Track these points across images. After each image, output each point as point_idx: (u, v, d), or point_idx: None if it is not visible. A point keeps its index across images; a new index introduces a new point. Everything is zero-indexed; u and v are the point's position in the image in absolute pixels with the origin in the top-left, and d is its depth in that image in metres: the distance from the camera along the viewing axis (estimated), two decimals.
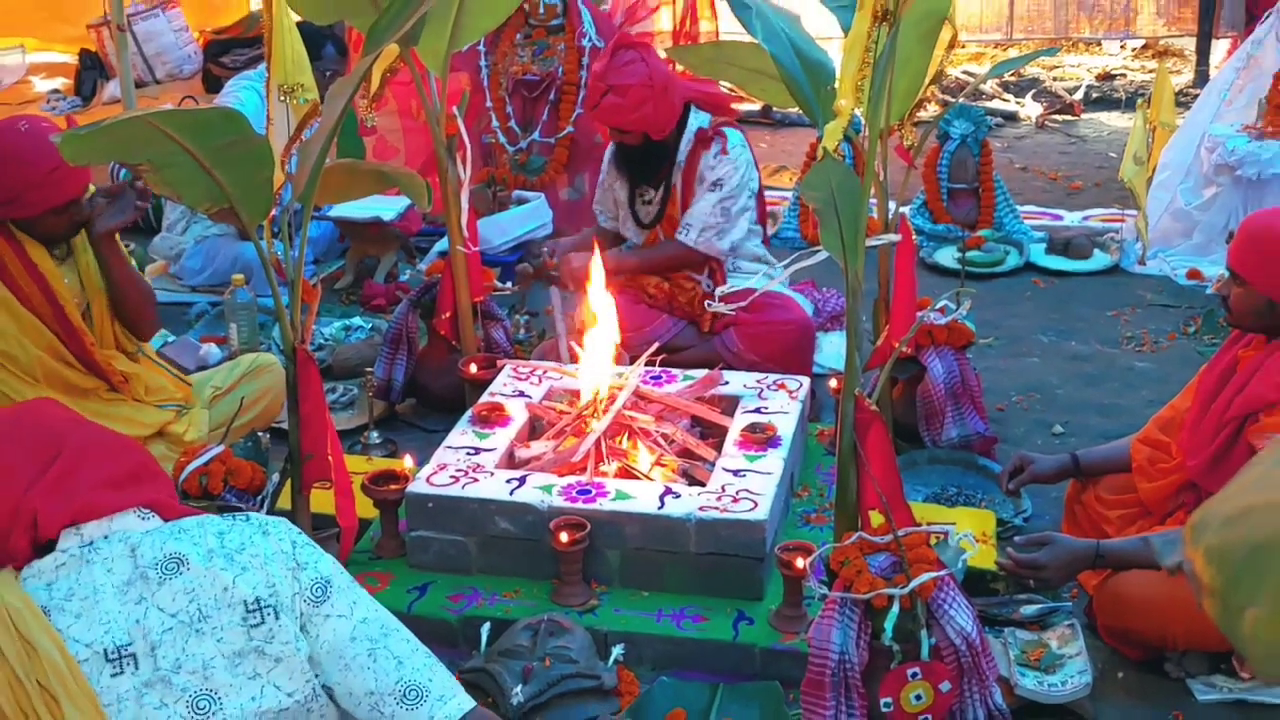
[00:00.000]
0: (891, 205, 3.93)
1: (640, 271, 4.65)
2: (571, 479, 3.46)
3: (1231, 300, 3.16)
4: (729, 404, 3.89)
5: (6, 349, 3.47)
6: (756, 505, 3.29)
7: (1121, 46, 10.67)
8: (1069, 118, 8.90)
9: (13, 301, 3.48)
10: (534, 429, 3.84)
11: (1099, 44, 10.69)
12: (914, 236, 3.93)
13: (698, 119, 4.56)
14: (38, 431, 1.97)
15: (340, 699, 1.96)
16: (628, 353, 4.30)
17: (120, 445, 2.04)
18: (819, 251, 3.11)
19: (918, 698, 2.75)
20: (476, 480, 3.45)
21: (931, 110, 6.94)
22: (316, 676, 1.93)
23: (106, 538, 1.91)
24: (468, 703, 1.99)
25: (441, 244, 5.39)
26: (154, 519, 1.97)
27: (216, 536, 1.94)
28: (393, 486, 3.51)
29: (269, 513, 3.42)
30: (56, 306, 3.53)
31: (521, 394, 3.93)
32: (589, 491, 3.39)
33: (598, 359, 3.85)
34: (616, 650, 3.12)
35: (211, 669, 1.86)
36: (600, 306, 3.86)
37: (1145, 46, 10.60)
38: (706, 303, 4.33)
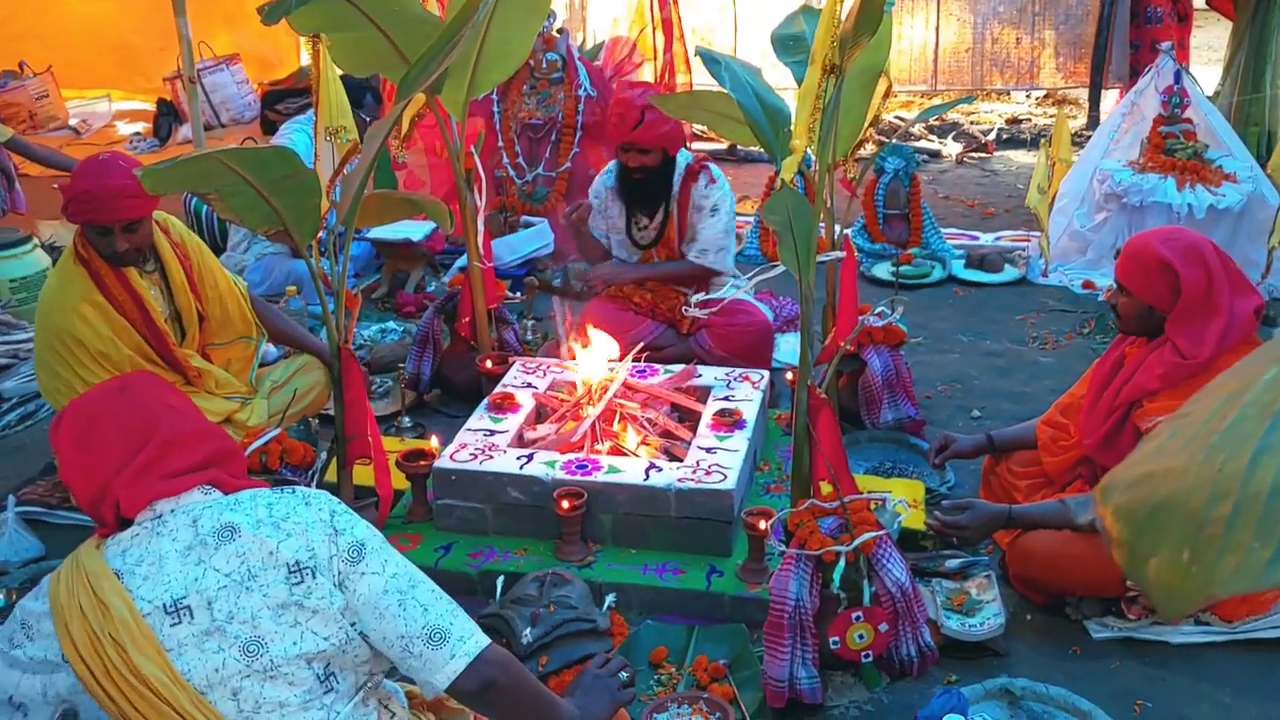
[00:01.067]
0: (837, 228, 3.93)
1: (655, 279, 4.62)
2: (571, 456, 3.45)
3: (1119, 308, 3.17)
4: (702, 393, 3.88)
5: (102, 348, 3.44)
6: (726, 477, 3.29)
7: (1027, 96, 10.68)
8: (984, 155, 8.91)
9: (109, 308, 3.46)
10: (540, 414, 3.84)
11: (1008, 94, 10.71)
12: (855, 254, 3.93)
13: (684, 156, 4.54)
14: (133, 415, 1.94)
15: (375, 643, 1.94)
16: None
17: (202, 432, 2.01)
18: (777, 266, 3.11)
19: (861, 637, 2.76)
20: (492, 457, 3.44)
21: (870, 149, 6.92)
22: (353, 625, 1.91)
23: (174, 511, 1.90)
24: (484, 641, 1.97)
25: (462, 260, 5.37)
26: (215, 493, 1.95)
27: (266, 508, 1.92)
28: (422, 462, 3.50)
29: (318, 485, 3.42)
30: (144, 312, 3.50)
31: (529, 385, 3.92)
32: (586, 466, 3.38)
33: (592, 357, 3.84)
34: (609, 598, 3.12)
35: (259, 619, 1.85)
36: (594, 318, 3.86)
37: (1047, 96, 10.61)
38: (684, 308, 4.32)
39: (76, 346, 3.43)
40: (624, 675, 2.36)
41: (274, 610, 1.85)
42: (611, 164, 4.70)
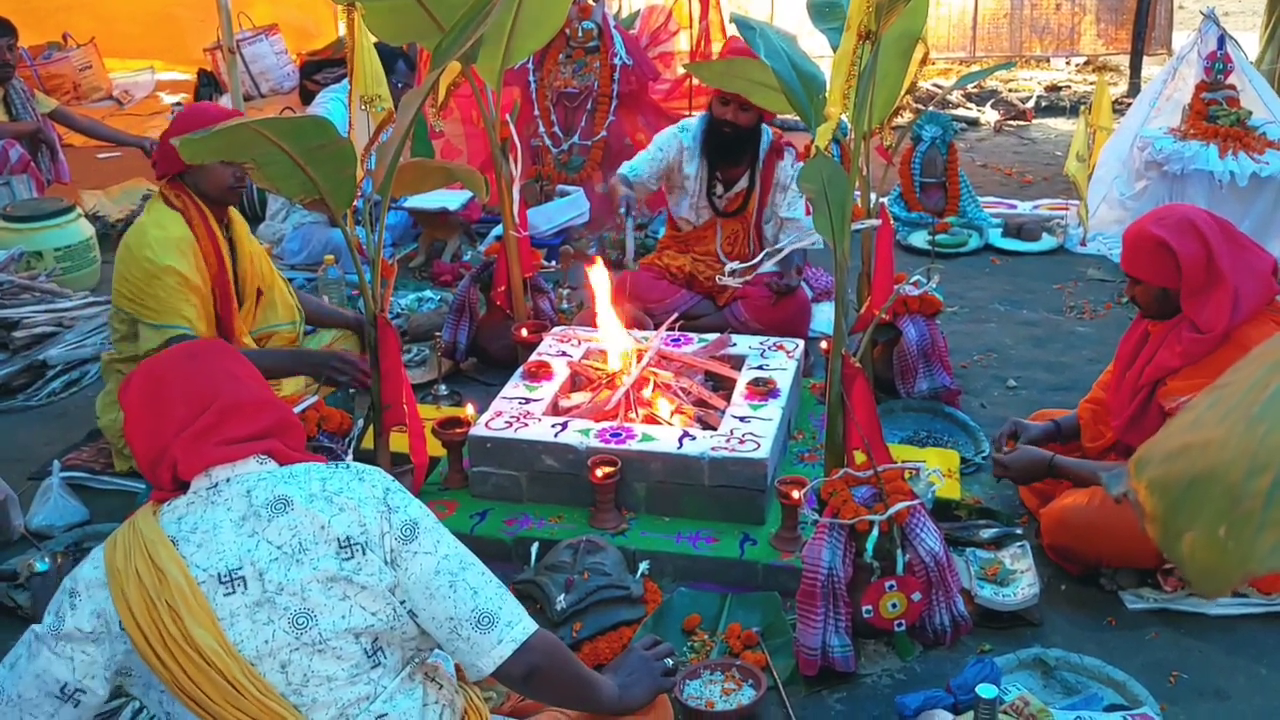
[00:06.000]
0: (873, 196, 3.89)
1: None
2: (605, 424, 3.45)
3: (1138, 298, 3.12)
4: (737, 362, 3.86)
5: (198, 283, 3.46)
6: (759, 446, 3.27)
7: (1067, 62, 10.52)
8: (1022, 123, 8.79)
9: (200, 253, 3.49)
10: (574, 383, 3.83)
11: (1048, 60, 10.55)
12: (891, 222, 3.89)
13: (766, 134, 4.50)
14: (198, 380, 1.94)
15: (423, 623, 1.92)
16: (652, 320, 4.28)
17: (262, 403, 2.00)
18: (813, 236, 3.08)
19: (894, 606, 2.75)
20: (527, 425, 3.44)
21: (906, 116, 6.85)
22: (401, 603, 1.90)
23: (229, 480, 1.89)
24: (531, 626, 1.96)
25: (498, 229, 5.36)
26: (270, 463, 1.95)
27: (320, 482, 1.91)
28: (457, 430, 3.51)
29: (355, 452, 3.43)
30: (221, 266, 3.54)
31: (564, 354, 3.91)
32: (620, 434, 3.38)
33: (626, 326, 3.83)
34: (643, 566, 3.13)
35: (308, 591, 1.84)
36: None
37: (1087, 62, 10.44)
38: (717, 277, 4.29)
39: (173, 276, 3.43)
40: (668, 662, 2.35)
41: (323, 583, 1.84)
42: (690, 121, 4.66)
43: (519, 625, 1.94)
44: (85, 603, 1.85)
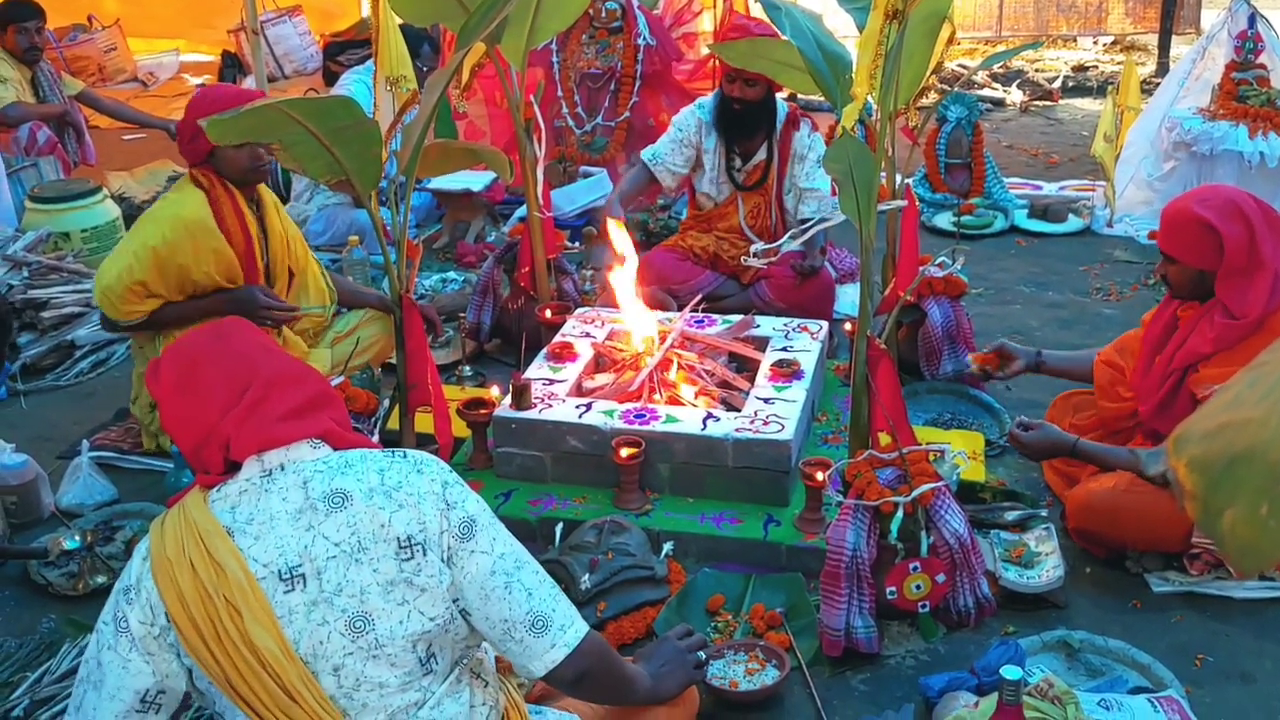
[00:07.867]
0: (898, 177, 3.87)
1: None
2: (629, 405, 3.45)
3: (1170, 278, 3.09)
4: (761, 343, 3.86)
5: (184, 262, 3.47)
6: (783, 427, 3.27)
7: (1094, 42, 10.43)
8: (1048, 103, 8.72)
9: (216, 232, 3.50)
10: (598, 364, 3.84)
11: (1075, 40, 10.47)
12: (917, 203, 3.87)
13: (781, 105, 4.51)
14: (236, 358, 1.88)
15: (476, 623, 1.88)
16: (676, 302, 4.26)
17: (301, 374, 1.94)
18: (837, 216, 3.07)
19: (918, 587, 2.75)
20: (551, 406, 3.45)
21: (932, 97, 6.80)
22: (455, 602, 1.85)
23: (283, 467, 1.83)
24: (584, 629, 1.93)
25: (521, 211, 5.37)
26: (324, 448, 1.88)
27: (378, 474, 1.84)
28: (482, 411, 3.52)
29: (381, 433, 3.45)
30: (249, 243, 3.58)
31: (588, 335, 3.92)
32: (644, 415, 3.38)
33: (648, 308, 3.83)
34: (667, 546, 3.13)
35: (367, 594, 1.78)
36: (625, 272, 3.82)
37: (1115, 42, 10.36)
38: (742, 258, 4.29)
39: (165, 250, 3.45)
40: (701, 655, 2.35)
41: (383, 586, 1.79)
42: (705, 98, 4.67)
43: (572, 629, 1.91)
44: (140, 594, 1.79)
